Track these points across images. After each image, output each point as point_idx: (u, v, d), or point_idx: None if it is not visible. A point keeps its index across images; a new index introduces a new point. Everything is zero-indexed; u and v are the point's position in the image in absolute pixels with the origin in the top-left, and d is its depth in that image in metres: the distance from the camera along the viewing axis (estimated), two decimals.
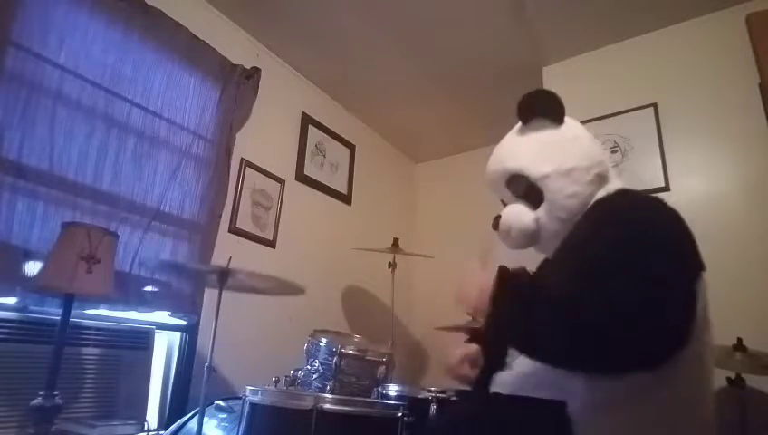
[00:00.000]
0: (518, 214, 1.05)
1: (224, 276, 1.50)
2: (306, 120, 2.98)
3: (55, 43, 1.77)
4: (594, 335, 0.73)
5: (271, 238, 2.61)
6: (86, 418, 1.57)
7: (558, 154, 1.01)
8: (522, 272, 0.86)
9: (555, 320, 0.77)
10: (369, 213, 3.42)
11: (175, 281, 2.03)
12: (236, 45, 2.53)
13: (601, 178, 0.99)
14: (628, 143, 2.39)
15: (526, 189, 1.04)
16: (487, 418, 0.98)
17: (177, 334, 2.13)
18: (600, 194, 0.98)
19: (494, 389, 1.04)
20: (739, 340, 1.68)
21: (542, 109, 1.07)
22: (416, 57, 2.76)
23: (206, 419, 1.52)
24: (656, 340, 0.74)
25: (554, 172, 0.99)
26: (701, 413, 0.84)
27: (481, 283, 0.87)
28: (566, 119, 1.07)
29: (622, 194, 0.97)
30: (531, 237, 1.04)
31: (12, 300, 1.57)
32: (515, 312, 0.83)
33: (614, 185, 1.00)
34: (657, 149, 2.30)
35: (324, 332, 1.86)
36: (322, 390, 1.58)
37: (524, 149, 1.05)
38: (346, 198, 3.24)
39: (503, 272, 0.85)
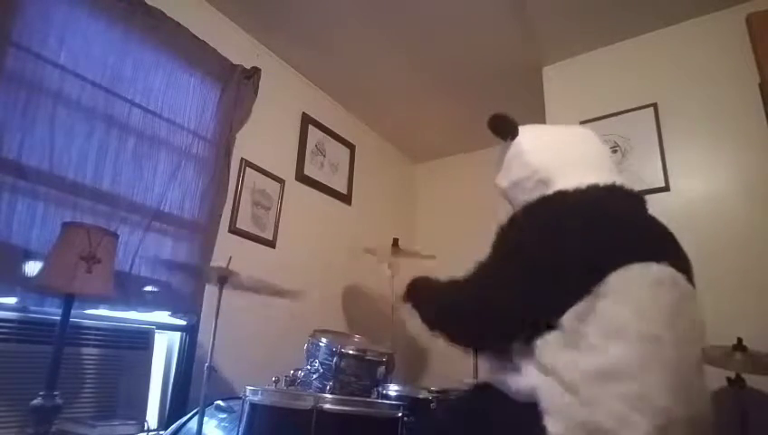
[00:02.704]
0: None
1: (223, 278, 1.50)
2: (306, 120, 2.98)
3: (55, 43, 1.77)
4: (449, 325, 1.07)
5: (271, 238, 2.61)
6: (86, 418, 1.57)
7: (509, 168, 1.19)
8: (423, 278, 1.23)
9: (436, 310, 1.12)
10: (369, 213, 3.42)
11: (175, 281, 2.03)
12: (236, 45, 2.52)
13: (544, 182, 1.09)
14: (628, 143, 2.39)
15: (506, 198, 1.22)
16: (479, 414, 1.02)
17: (177, 334, 2.13)
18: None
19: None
20: (739, 340, 1.68)
21: (496, 130, 1.22)
22: (416, 57, 2.76)
23: (206, 419, 1.52)
24: (484, 332, 1.00)
25: (509, 184, 1.18)
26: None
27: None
28: (520, 131, 1.20)
29: (533, 202, 1.07)
30: None
31: (12, 300, 1.57)
32: (417, 304, 1.19)
33: (556, 186, 1.07)
34: (657, 149, 2.30)
35: (324, 332, 1.86)
36: (322, 390, 1.58)
37: (499, 166, 1.24)
38: (346, 198, 3.24)
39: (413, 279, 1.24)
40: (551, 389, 0.89)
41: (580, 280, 0.89)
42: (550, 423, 0.86)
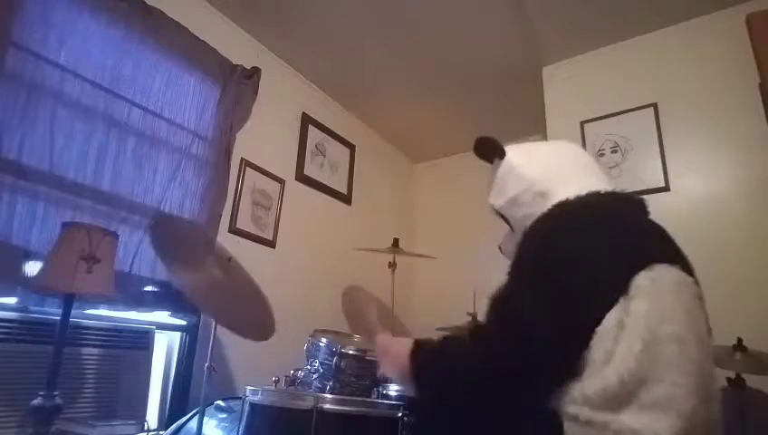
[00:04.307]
0: (505, 242, 1.23)
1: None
2: (306, 120, 2.98)
3: (55, 43, 1.77)
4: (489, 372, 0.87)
5: (271, 238, 2.61)
6: (86, 418, 1.57)
7: (503, 186, 1.17)
8: (428, 341, 1.04)
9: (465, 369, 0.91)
10: (369, 213, 3.42)
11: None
12: (236, 45, 2.52)
13: (542, 194, 1.08)
14: (629, 143, 2.39)
15: (503, 218, 1.20)
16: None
17: (177, 334, 2.13)
18: (543, 210, 1.06)
19: None
20: (739, 340, 1.68)
21: (482, 154, 1.23)
22: (416, 57, 2.76)
23: (206, 419, 1.52)
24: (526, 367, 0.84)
25: (506, 202, 1.15)
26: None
27: (395, 352, 1.08)
28: (508, 149, 1.19)
29: (540, 219, 1.04)
30: None
31: (12, 300, 1.57)
32: (431, 376, 0.99)
33: (556, 198, 1.05)
34: (657, 149, 2.30)
35: (324, 332, 1.85)
36: (322, 390, 1.57)
37: (491, 187, 1.23)
38: (346, 198, 3.24)
39: (416, 343, 1.04)
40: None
41: (613, 285, 0.88)
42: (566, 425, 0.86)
